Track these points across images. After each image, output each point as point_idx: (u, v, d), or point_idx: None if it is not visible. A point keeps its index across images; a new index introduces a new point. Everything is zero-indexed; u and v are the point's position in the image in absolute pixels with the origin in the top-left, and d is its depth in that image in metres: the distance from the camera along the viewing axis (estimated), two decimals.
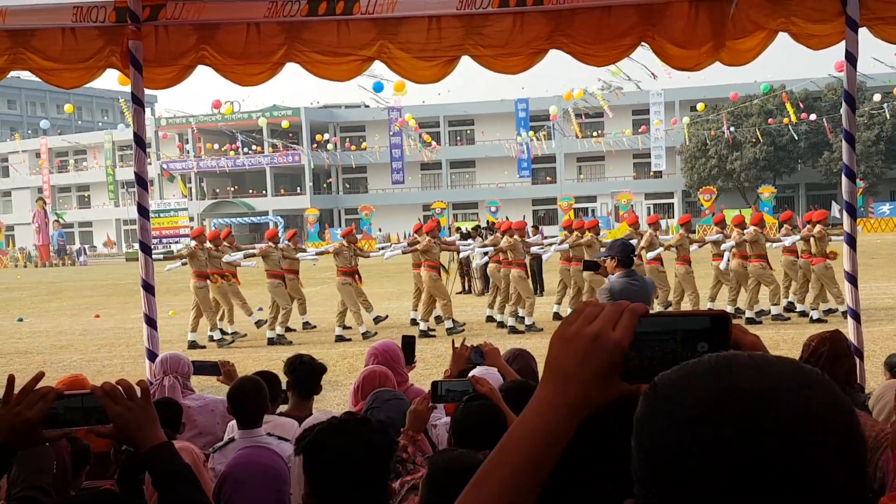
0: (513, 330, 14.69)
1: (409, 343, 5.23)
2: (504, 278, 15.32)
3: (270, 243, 15.60)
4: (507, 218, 25.36)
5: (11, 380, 1.92)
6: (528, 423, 1.07)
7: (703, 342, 1.01)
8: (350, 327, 15.23)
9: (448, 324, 14.83)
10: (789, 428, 0.82)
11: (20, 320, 19.78)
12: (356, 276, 15.43)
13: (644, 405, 0.91)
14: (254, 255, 15.87)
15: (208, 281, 15.01)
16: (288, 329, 15.49)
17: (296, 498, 2.99)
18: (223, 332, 15.17)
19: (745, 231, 14.74)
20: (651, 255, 14.90)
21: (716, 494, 0.82)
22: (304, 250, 17.41)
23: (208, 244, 15.37)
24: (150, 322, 5.90)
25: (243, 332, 15.53)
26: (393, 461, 2.43)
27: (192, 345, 14.56)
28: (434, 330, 14.91)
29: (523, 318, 14.97)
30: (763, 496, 0.81)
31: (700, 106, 53.55)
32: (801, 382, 0.86)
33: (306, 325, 16.40)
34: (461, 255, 18.49)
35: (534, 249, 16.68)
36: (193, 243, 15.50)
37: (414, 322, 15.69)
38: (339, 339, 14.66)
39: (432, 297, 14.92)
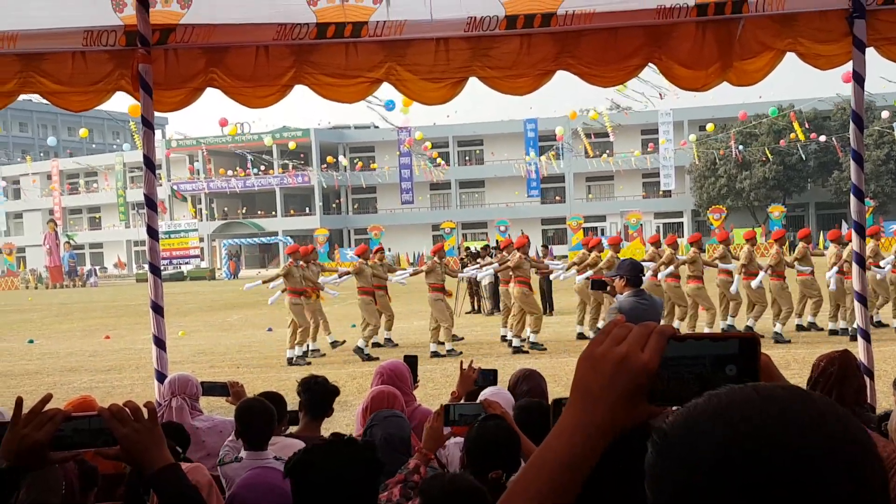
0: (517, 350, 14.63)
1: (411, 363, 5.23)
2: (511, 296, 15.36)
3: (361, 259, 15.71)
4: (509, 234, 25.39)
5: (19, 402, 1.93)
6: (553, 447, 1.05)
7: (731, 365, 1.00)
8: (443, 343, 15.18)
9: (533, 338, 14.85)
10: (799, 470, 0.80)
11: (31, 342, 19.84)
12: (446, 292, 15.52)
13: (653, 453, 0.89)
14: (348, 273, 15.99)
15: (302, 297, 14.99)
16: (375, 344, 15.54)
17: None
18: (305, 351, 15.11)
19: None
20: (666, 272, 14.94)
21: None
22: (394, 270, 17.30)
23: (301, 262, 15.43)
24: (159, 343, 5.91)
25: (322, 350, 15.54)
26: (380, 479, 2.42)
27: (290, 361, 14.53)
28: (524, 347, 14.81)
29: (526, 339, 14.99)
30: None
31: (710, 126, 53.55)
32: (810, 416, 0.83)
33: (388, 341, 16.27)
34: (465, 273, 18.46)
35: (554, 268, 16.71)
36: (289, 260, 15.54)
37: (504, 338, 15.72)
38: (435, 354, 14.64)
39: (523, 312, 14.89)
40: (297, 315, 14.92)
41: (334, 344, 15.65)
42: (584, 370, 1.05)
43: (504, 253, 16.11)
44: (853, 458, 0.81)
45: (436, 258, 15.77)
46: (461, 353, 14.71)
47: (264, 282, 16.40)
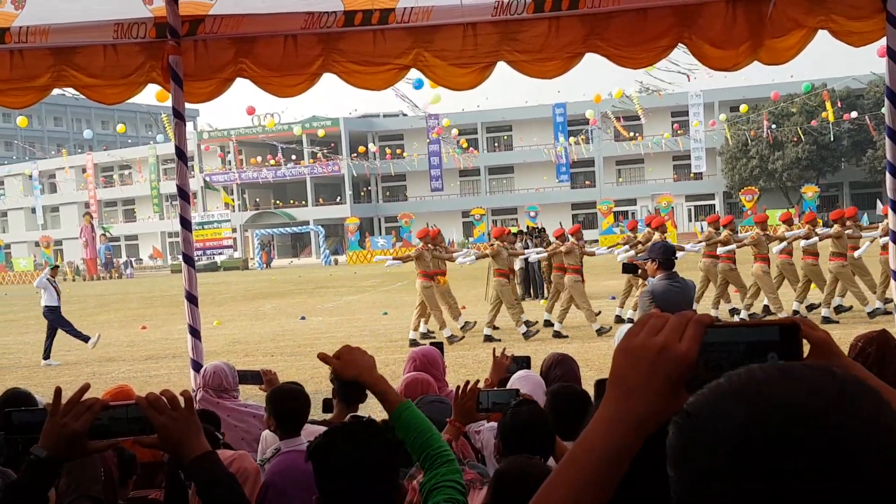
0: (557, 335, 14.62)
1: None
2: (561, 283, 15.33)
3: (499, 241, 15.52)
4: (561, 223, 25.16)
5: (58, 392, 1.96)
6: (591, 441, 1.03)
7: (772, 352, 0.98)
8: (531, 322, 15.24)
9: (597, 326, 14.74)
10: (826, 451, 0.78)
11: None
12: (510, 277, 15.48)
13: (675, 433, 0.88)
14: (486, 256, 15.85)
15: (433, 281, 15.05)
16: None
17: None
18: (427, 333, 15.21)
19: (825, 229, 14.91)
20: (726, 249, 15.01)
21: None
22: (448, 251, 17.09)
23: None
24: (194, 332, 5.97)
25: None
26: (399, 460, 2.41)
27: (413, 342, 14.49)
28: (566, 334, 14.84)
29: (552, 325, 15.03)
30: None
31: (743, 107, 52.89)
32: (838, 395, 0.81)
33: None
34: (527, 255, 18.22)
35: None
36: (420, 244, 15.57)
37: (548, 323, 15.76)
38: (502, 335, 14.62)
39: (572, 299, 14.92)
40: (428, 299, 14.90)
41: (465, 326, 15.47)
42: (622, 362, 1.03)
43: (557, 242, 15.88)
44: (884, 441, 0.79)
45: (502, 242, 15.44)
46: (537, 332, 14.68)
47: (404, 260, 16.33)
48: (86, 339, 16.00)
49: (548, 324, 15.79)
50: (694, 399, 0.88)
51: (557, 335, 14.59)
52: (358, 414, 2.73)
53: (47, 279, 16.28)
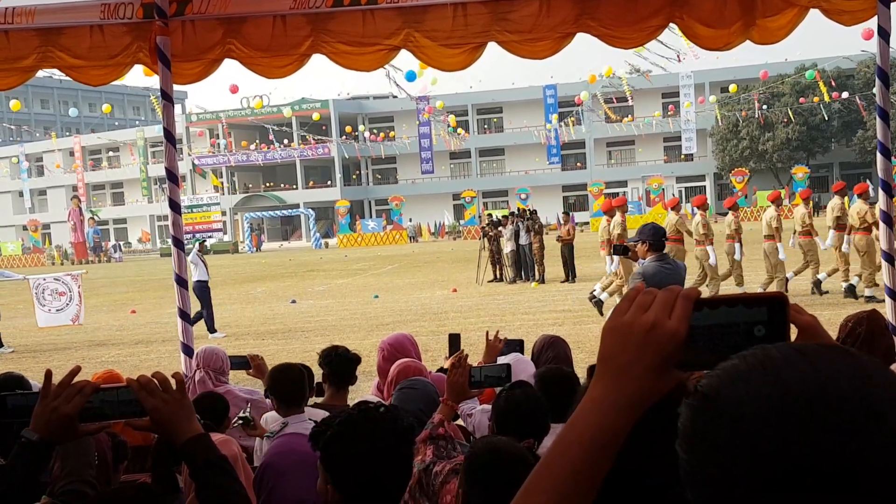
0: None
1: (454, 339, 5.23)
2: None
3: (702, 211, 15.35)
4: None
5: (49, 375, 1.94)
6: (582, 422, 1.01)
7: (759, 325, 0.97)
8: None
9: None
10: (849, 423, 0.76)
11: None
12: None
13: (689, 412, 0.85)
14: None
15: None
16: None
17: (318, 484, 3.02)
18: None
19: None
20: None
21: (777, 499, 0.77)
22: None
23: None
24: (185, 316, 5.94)
25: None
26: (412, 446, 2.41)
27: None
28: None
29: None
30: (829, 497, 0.76)
31: (732, 87, 52.91)
32: (856, 373, 0.80)
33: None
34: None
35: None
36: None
37: (592, 296, 15.49)
38: None
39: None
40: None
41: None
42: (611, 341, 1.01)
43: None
44: None
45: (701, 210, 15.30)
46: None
47: None
48: (212, 329, 15.96)
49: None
50: (708, 381, 0.85)
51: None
52: (367, 399, 2.72)
53: (197, 254, 16.47)
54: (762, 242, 15.18)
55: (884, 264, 5.81)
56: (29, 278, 16.53)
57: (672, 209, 15.47)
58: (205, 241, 18.74)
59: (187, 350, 5.76)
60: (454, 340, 5.18)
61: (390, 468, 2.21)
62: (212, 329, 15.90)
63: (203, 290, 16.07)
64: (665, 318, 0.98)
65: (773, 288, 14.26)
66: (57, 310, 15.76)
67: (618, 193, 64.53)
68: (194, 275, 16.15)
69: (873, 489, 0.75)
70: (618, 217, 15.51)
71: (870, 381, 0.80)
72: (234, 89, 40.76)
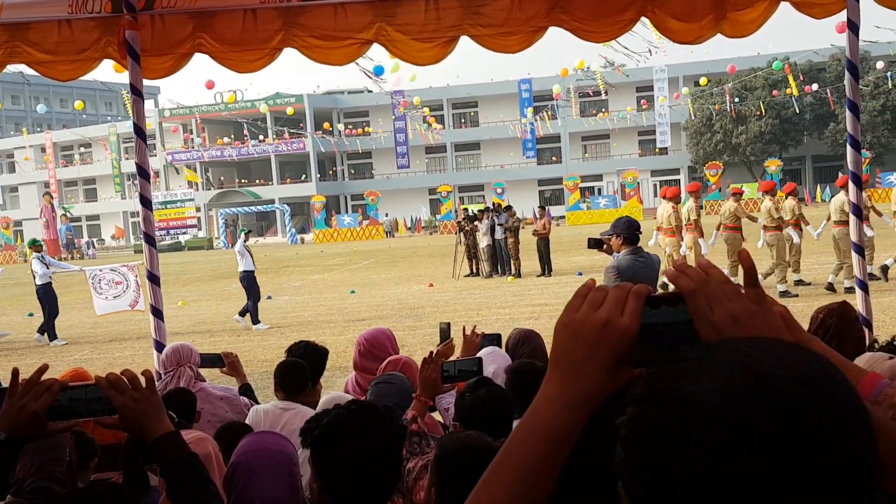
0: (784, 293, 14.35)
1: (445, 329, 5.21)
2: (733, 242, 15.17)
3: (770, 196, 15.27)
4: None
5: (15, 373, 1.92)
6: (535, 421, 1.01)
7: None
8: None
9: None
10: (830, 401, 0.76)
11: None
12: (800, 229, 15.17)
13: (661, 414, 0.81)
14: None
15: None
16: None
17: (305, 480, 2.99)
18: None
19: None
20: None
21: (751, 482, 0.75)
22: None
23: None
24: (157, 313, 5.90)
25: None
26: (403, 445, 2.41)
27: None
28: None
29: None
30: (819, 478, 0.75)
31: (703, 80, 53.27)
32: (811, 357, 0.80)
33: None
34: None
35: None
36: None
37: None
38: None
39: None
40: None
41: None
42: (564, 338, 1.01)
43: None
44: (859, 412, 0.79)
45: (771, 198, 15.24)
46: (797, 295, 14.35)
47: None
48: (256, 320, 15.85)
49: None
50: (668, 383, 0.83)
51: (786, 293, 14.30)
52: (357, 399, 2.71)
53: (244, 245, 16.48)
54: (832, 228, 14.90)
55: (854, 256, 5.87)
56: (85, 269, 16.45)
57: (692, 194, 15.66)
58: (251, 231, 18.69)
59: (160, 347, 5.71)
60: (444, 330, 5.16)
61: (378, 468, 2.20)
62: (255, 321, 15.84)
63: (250, 280, 16.06)
64: (617, 314, 0.98)
65: (842, 275, 14.20)
66: (114, 297, 15.62)
67: (593, 188, 64.85)
68: (240, 265, 16.23)
69: (866, 485, 0.76)
70: (691, 202, 15.42)
71: (830, 367, 0.80)
72: (210, 85, 40.50)
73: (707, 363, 0.82)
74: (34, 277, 16.18)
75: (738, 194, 15.61)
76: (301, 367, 4.50)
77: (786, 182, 24.28)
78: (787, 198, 15.37)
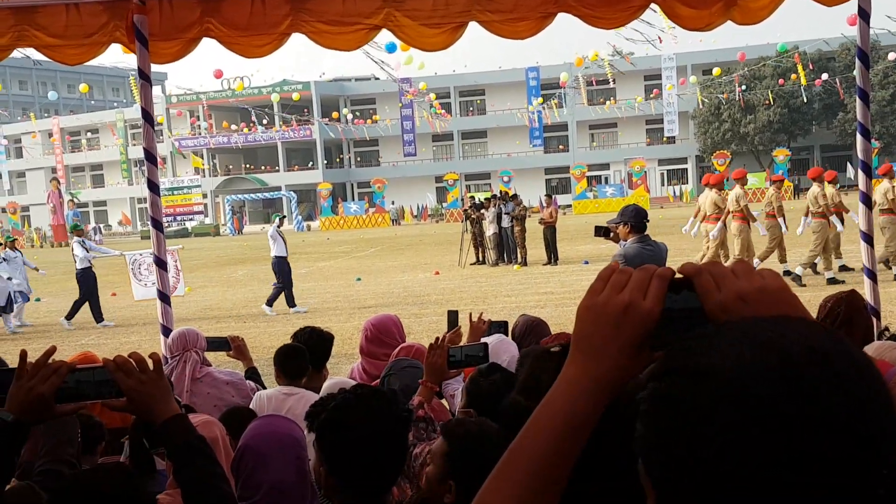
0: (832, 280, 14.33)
1: (453, 316, 5.19)
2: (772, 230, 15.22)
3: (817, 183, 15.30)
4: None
5: (24, 355, 1.93)
6: (553, 407, 0.99)
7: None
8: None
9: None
10: (851, 381, 0.75)
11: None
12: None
13: (668, 394, 0.82)
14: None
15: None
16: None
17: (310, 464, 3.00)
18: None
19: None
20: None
21: (784, 466, 0.74)
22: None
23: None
24: (164, 298, 5.90)
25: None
26: (409, 430, 2.40)
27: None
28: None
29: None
30: (838, 460, 0.74)
31: (716, 71, 52.98)
32: (832, 336, 0.79)
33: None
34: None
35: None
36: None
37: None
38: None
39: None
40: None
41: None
42: (586, 321, 0.99)
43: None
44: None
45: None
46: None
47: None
48: (293, 303, 15.95)
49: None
50: (687, 359, 0.83)
51: (833, 281, 14.26)
52: (363, 384, 2.70)
53: (276, 230, 16.53)
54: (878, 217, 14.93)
55: (862, 245, 5.84)
56: (126, 254, 16.44)
57: (738, 181, 15.57)
58: (285, 216, 18.72)
59: (166, 332, 5.72)
60: (452, 317, 5.15)
61: (385, 452, 2.19)
62: (292, 304, 15.92)
63: (282, 265, 16.10)
64: (640, 297, 0.96)
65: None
66: (153, 283, 15.66)
67: (600, 177, 64.70)
68: (272, 250, 16.27)
69: (881, 470, 0.74)
70: (739, 189, 15.39)
71: (852, 347, 0.79)
72: (219, 74, 40.46)
73: (726, 339, 0.82)
74: (75, 261, 16.24)
75: (779, 181, 15.65)
76: (300, 352, 4.49)
77: (793, 172, 24.23)
78: (825, 186, 15.32)
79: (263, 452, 3.39)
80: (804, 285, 14.05)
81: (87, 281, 15.94)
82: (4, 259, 16.17)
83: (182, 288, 15.82)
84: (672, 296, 0.97)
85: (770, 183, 15.60)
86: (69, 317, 15.70)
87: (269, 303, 15.81)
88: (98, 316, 15.78)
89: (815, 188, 15.10)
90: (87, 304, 15.79)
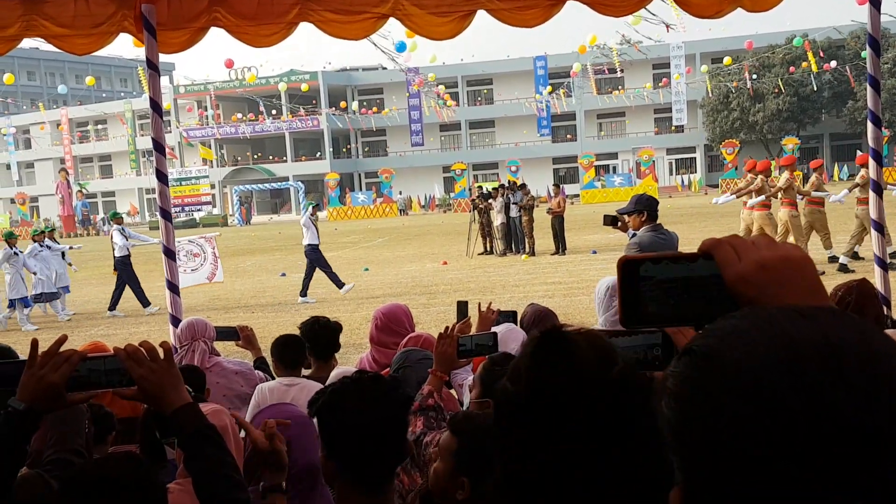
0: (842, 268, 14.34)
1: (462, 307, 5.18)
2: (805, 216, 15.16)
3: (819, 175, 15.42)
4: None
5: (35, 344, 1.93)
6: None
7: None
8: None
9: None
10: (859, 377, 0.73)
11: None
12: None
13: (681, 374, 0.81)
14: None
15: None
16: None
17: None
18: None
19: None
20: (755, 200, 15.20)
21: (786, 459, 0.73)
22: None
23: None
24: (173, 288, 5.92)
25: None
26: (408, 414, 2.38)
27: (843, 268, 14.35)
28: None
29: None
30: (842, 456, 0.72)
31: (727, 60, 52.67)
32: (862, 334, 0.77)
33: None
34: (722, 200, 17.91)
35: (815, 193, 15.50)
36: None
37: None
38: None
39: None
40: (795, 228, 14.93)
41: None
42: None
43: (760, 177, 15.56)
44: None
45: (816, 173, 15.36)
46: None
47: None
48: (340, 284, 16.09)
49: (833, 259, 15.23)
50: (699, 338, 0.82)
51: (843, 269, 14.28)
52: (365, 370, 2.70)
53: (309, 218, 16.57)
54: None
55: (873, 233, 5.82)
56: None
57: (787, 168, 15.58)
58: (318, 205, 18.67)
59: (175, 322, 5.73)
60: (462, 308, 5.14)
61: (384, 437, 2.19)
62: (339, 284, 16.08)
63: (315, 252, 16.17)
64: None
65: None
66: (192, 269, 15.66)
67: (608, 166, 64.54)
68: (305, 238, 16.30)
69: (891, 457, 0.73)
70: (786, 174, 15.37)
71: (875, 342, 0.77)
72: (230, 64, 40.46)
73: (746, 323, 0.80)
74: (113, 249, 16.27)
75: (818, 167, 15.74)
76: (297, 341, 4.50)
77: (801, 160, 24.12)
78: (863, 169, 15.33)
79: (291, 435, 3.40)
80: (852, 271, 13.86)
81: (125, 269, 16.00)
82: (43, 248, 16.16)
83: (221, 274, 15.79)
84: (688, 265, 0.97)
85: (780, 169, 15.57)
86: (112, 307, 15.72)
87: (339, 285, 15.95)
88: (144, 301, 15.84)
89: (864, 172, 14.97)
90: (126, 291, 15.86)
